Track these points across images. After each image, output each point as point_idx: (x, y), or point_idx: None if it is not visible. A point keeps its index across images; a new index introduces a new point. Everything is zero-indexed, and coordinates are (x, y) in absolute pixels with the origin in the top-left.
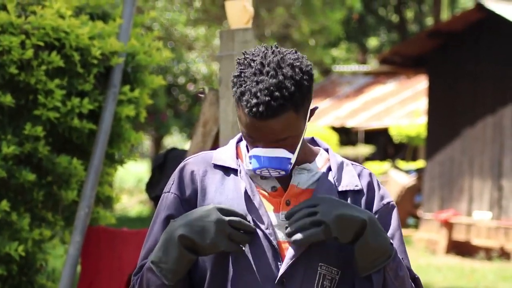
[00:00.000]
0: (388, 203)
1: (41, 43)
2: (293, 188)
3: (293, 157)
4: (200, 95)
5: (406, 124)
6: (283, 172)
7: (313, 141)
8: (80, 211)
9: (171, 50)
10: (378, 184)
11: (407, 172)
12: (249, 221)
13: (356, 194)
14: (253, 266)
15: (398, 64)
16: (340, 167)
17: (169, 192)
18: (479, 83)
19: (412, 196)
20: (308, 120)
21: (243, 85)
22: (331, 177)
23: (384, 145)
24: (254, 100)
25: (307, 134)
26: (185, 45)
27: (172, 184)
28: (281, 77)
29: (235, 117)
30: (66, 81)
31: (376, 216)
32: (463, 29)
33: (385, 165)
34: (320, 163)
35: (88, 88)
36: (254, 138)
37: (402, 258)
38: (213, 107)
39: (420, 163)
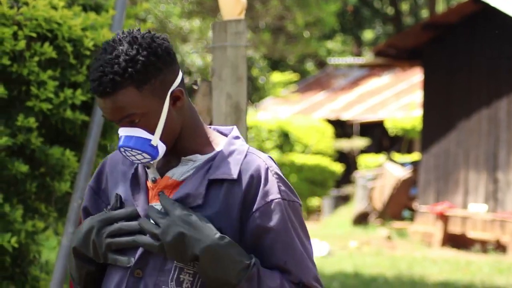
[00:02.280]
0: (272, 200)
1: (34, 34)
2: (166, 180)
3: (154, 139)
4: (194, 86)
5: (401, 117)
6: (148, 157)
7: (217, 131)
8: (73, 203)
9: None
10: (267, 179)
11: (403, 164)
12: (138, 212)
13: (231, 184)
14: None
15: (393, 56)
16: (227, 155)
17: (89, 184)
18: (474, 75)
19: (407, 188)
20: (174, 105)
21: (92, 66)
22: (210, 165)
23: (379, 138)
24: (91, 77)
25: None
26: (180, 37)
27: (93, 176)
28: (115, 53)
29: (228, 108)
30: (59, 72)
31: (256, 215)
32: (458, 22)
33: (381, 157)
34: (214, 152)
35: (81, 79)
36: (108, 118)
37: (285, 262)
38: (206, 98)
39: (415, 156)
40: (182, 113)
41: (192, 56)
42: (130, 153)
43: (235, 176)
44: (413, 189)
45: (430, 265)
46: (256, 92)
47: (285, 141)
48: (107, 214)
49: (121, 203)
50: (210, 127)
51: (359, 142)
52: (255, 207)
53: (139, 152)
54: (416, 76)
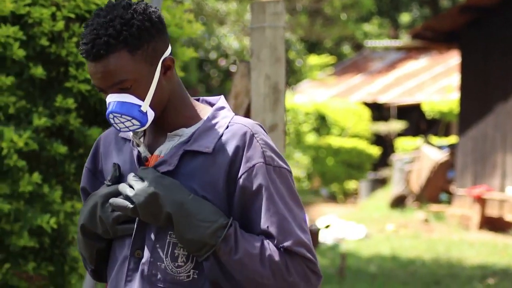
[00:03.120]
0: (254, 165)
1: (72, 15)
2: (155, 158)
3: (144, 105)
4: (233, 66)
5: (438, 100)
6: (137, 123)
7: (206, 103)
8: None
9: (202, 25)
10: (251, 145)
11: (440, 147)
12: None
13: (210, 157)
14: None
15: (430, 39)
16: (208, 128)
17: (85, 165)
18: (511, 57)
19: (444, 172)
20: (165, 74)
21: (83, 31)
22: (190, 139)
23: (416, 121)
24: (84, 40)
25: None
26: (217, 20)
27: (88, 157)
28: (109, 17)
29: (266, 89)
30: None
31: (240, 181)
32: (495, 4)
33: (418, 140)
34: (199, 125)
35: None
36: (98, 85)
37: (267, 226)
38: (245, 79)
39: (452, 139)
40: (170, 84)
41: (228, 38)
42: (119, 120)
43: (210, 149)
44: (451, 172)
45: (467, 248)
46: (293, 75)
47: (322, 124)
48: (110, 188)
49: (119, 173)
50: (198, 99)
51: (396, 125)
52: (239, 174)
53: (129, 118)
54: (453, 59)
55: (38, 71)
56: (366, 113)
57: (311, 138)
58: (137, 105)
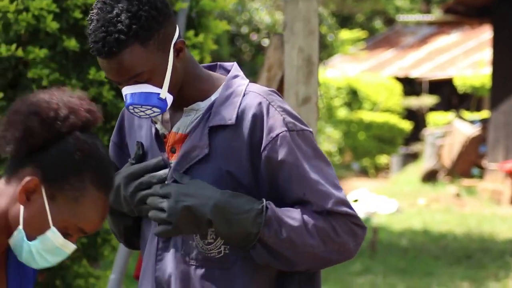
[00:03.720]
0: (277, 135)
1: None
2: (173, 135)
3: (162, 92)
4: (264, 40)
5: (470, 74)
6: (158, 110)
7: (223, 69)
8: None
9: None
10: (270, 115)
11: (472, 122)
12: (163, 160)
13: (233, 129)
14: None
15: (462, 13)
16: (226, 99)
17: (111, 139)
18: None
19: (476, 146)
20: (177, 56)
21: (89, 27)
22: (209, 113)
23: (448, 96)
24: (93, 39)
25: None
26: None
27: (114, 131)
28: (116, 11)
29: (299, 62)
30: None
31: (265, 153)
32: None
33: (449, 115)
34: (215, 97)
35: None
36: (113, 80)
37: (304, 193)
38: (278, 52)
39: (484, 113)
40: (183, 64)
41: (260, 13)
42: (139, 110)
43: (233, 120)
44: (482, 147)
45: (499, 223)
46: (324, 50)
47: (353, 98)
48: (133, 168)
49: (143, 151)
50: (215, 64)
51: (427, 99)
52: (262, 146)
53: (149, 107)
54: (485, 33)
55: (72, 43)
56: (398, 87)
57: (342, 113)
58: (155, 93)
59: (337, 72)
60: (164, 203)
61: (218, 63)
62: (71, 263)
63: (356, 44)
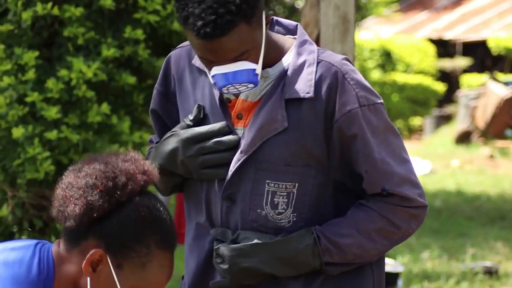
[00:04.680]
0: (349, 111)
1: None
2: (241, 102)
3: (258, 67)
4: (298, 2)
5: (504, 36)
6: (251, 85)
7: (281, 26)
8: None
9: None
10: (344, 88)
11: (506, 84)
12: (228, 126)
13: (310, 102)
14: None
15: None
16: (299, 69)
17: (156, 87)
18: None
19: (510, 107)
20: (267, 27)
21: (186, 9)
22: (283, 83)
23: (482, 57)
24: (200, 22)
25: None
26: None
27: (159, 78)
28: None
29: (335, 19)
30: None
31: (336, 126)
32: None
33: (483, 77)
34: (284, 64)
35: None
36: (211, 60)
37: (366, 171)
38: (314, 10)
39: None
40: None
41: None
42: (234, 87)
43: (311, 94)
44: None
45: None
46: (358, 11)
47: (387, 60)
48: (194, 131)
49: (204, 115)
50: (272, 19)
51: (461, 61)
52: (335, 119)
53: (245, 84)
54: None
55: (107, 2)
56: (431, 49)
57: (376, 75)
58: (252, 70)
59: (371, 34)
60: (223, 266)
61: (274, 17)
62: None
63: (389, 6)
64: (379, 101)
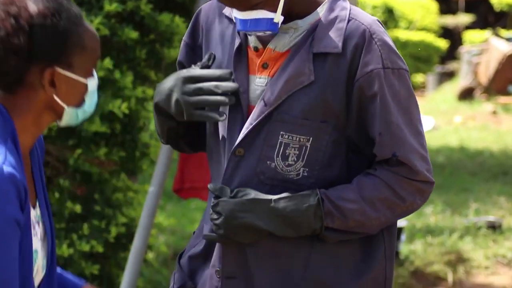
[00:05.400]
0: (372, 70)
1: None
2: (269, 52)
3: (276, 16)
4: None
5: None
6: (269, 32)
7: None
8: None
9: None
10: (370, 48)
11: (508, 40)
12: (233, 79)
13: (336, 57)
14: (219, 130)
15: None
16: (329, 24)
17: (184, 39)
18: None
19: None
20: None
21: None
22: (312, 37)
23: (484, 14)
24: None
25: None
26: None
27: (187, 31)
28: None
29: None
30: None
31: (357, 85)
32: None
33: (486, 33)
34: (314, 17)
35: None
36: (228, 6)
37: (380, 133)
38: None
39: None
40: None
41: None
42: (251, 33)
43: (339, 49)
44: None
45: None
46: None
47: (389, 17)
48: (194, 72)
49: (212, 63)
50: None
51: (464, 18)
52: (356, 77)
53: (262, 31)
54: None
55: None
56: (434, 6)
57: None
58: (270, 19)
59: None
60: (219, 221)
61: None
62: (110, 177)
63: None
64: (404, 67)
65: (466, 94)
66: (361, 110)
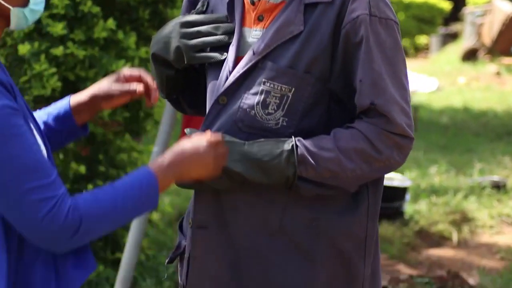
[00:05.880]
0: (358, 16)
1: None
2: (264, 3)
3: None
4: None
5: None
6: None
7: None
8: None
9: None
10: None
11: None
12: (227, 17)
13: (326, 6)
14: (209, 80)
15: None
16: None
17: None
18: None
19: None
20: None
21: None
22: None
23: None
24: None
25: None
26: None
27: None
28: None
29: None
30: None
31: (343, 32)
32: None
33: None
34: None
35: None
36: None
37: (360, 80)
38: None
39: None
40: None
41: None
42: None
43: None
44: None
45: None
46: None
47: None
48: (190, 17)
49: (207, 9)
50: None
51: None
52: (343, 24)
53: None
54: None
55: None
56: None
57: None
58: None
59: None
60: None
61: None
62: (114, 137)
63: None
64: (393, 18)
65: (470, 55)
66: (346, 59)
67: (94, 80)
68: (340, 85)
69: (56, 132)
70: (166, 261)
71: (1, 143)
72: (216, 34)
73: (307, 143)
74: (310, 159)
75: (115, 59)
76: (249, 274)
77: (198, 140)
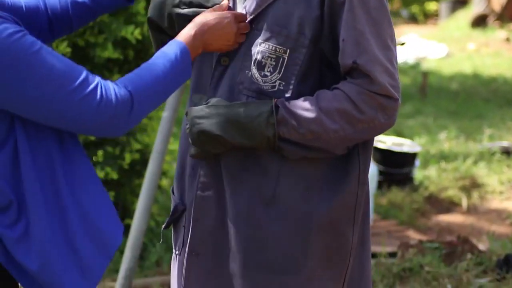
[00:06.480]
0: None
1: None
2: None
3: None
4: None
5: None
6: None
7: None
8: None
9: None
10: None
11: None
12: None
13: None
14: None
15: None
16: None
17: None
18: None
19: None
20: None
21: None
22: None
23: None
24: None
25: None
26: None
27: None
28: None
29: None
30: None
31: (325, 11)
32: None
33: None
34: None
35: None
36: None
37: (343, 40)
38: None
39: None
40: None
41: None
42: None
43: None
44: None
45: None
46: None
47: None
48: None
49: None
50: None
51: None
52: (325, 5)
53: None
54: None
55: None
56: None
57: None
58: None
59: None
60: (188, 130)
61: None
62: None
63: None
64: None
65: (479, 22)
66: (332, 19)
67: (103, 46)
68: (329, 46)
69: None
70: (163, 226)
71: (29, 63)
72: (206, 7)
73: (288, 104)
74: (291, 119)
75: (124, 24)
76: (244, 239)
77: (222, 13)
